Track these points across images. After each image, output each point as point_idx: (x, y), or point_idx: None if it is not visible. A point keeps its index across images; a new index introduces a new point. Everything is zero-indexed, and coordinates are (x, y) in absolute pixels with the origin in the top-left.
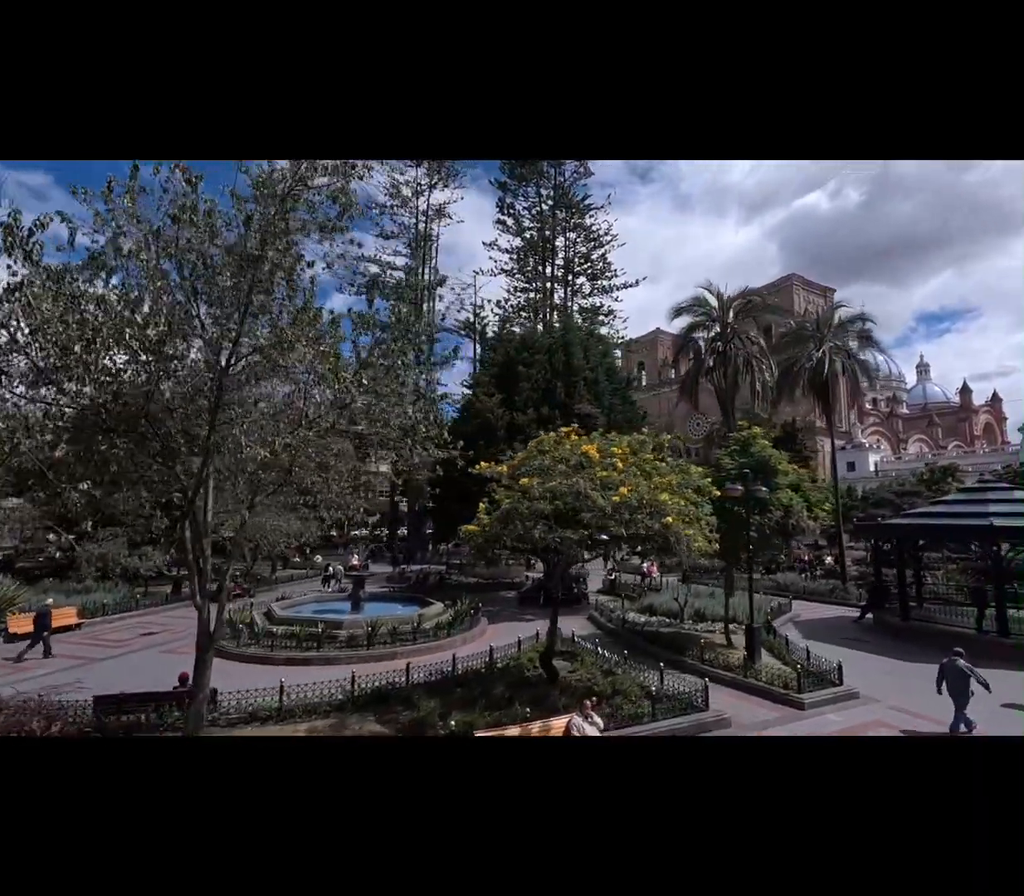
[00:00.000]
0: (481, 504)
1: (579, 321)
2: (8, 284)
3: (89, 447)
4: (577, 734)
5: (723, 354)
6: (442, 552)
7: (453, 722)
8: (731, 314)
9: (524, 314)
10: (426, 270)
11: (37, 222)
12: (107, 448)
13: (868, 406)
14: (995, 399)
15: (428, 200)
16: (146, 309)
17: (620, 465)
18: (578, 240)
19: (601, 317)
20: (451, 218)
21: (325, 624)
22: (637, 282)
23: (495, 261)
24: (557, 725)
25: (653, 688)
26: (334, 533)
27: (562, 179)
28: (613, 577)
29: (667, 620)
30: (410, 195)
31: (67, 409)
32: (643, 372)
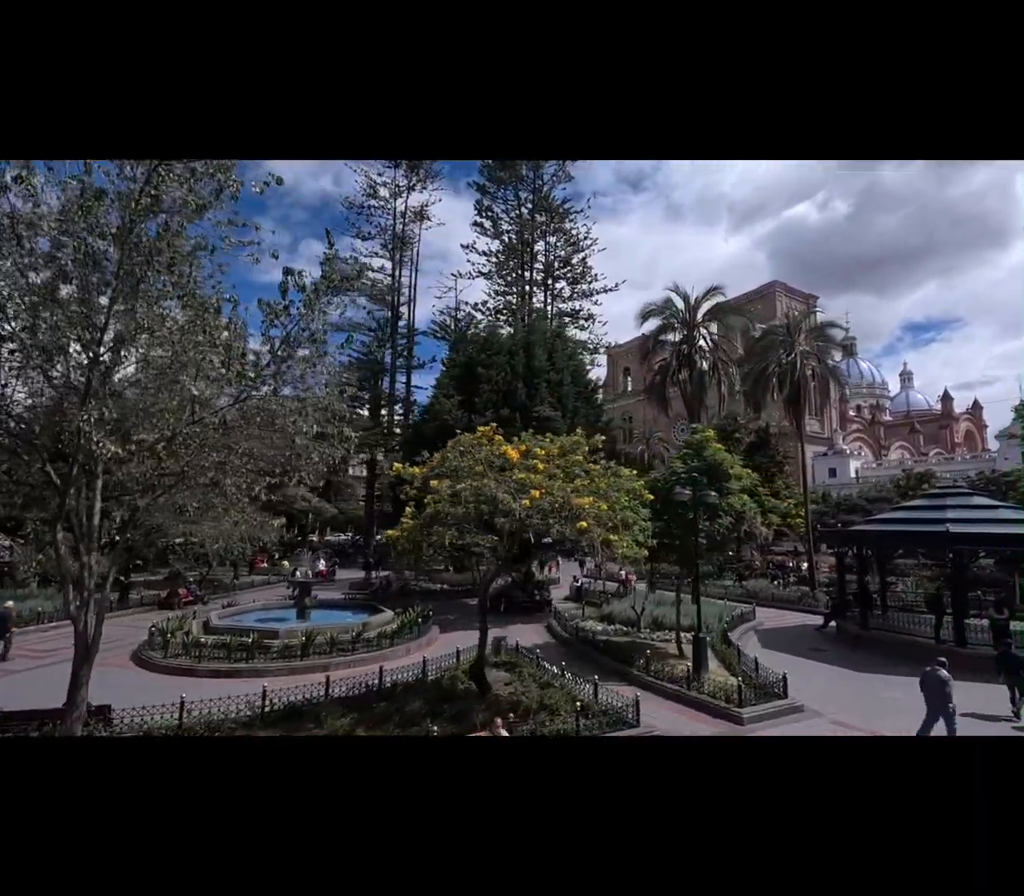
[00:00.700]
0: (407, 508)
1: (551, 323)
2: None
3: None
4: None
5: (689, 357)
6: None
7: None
8: (698, 317)
9: (502, 317)
10: (404, 272)
11: None
12: None
13: (851, 413)
14: (976, 407)
15: (406, 201)
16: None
17: (541, 467)
18: (558, 244)
19: (581, 321)
20: (430, 220)
21: (258, 634)
22: (617, 286)
23: (472, 264)
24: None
25: (585, 702)
26: (314, 538)
27: (541, 182)
28: (580, 584)
29: (624, 629)
30: (388, 196)
31: None
32: (629, 378)
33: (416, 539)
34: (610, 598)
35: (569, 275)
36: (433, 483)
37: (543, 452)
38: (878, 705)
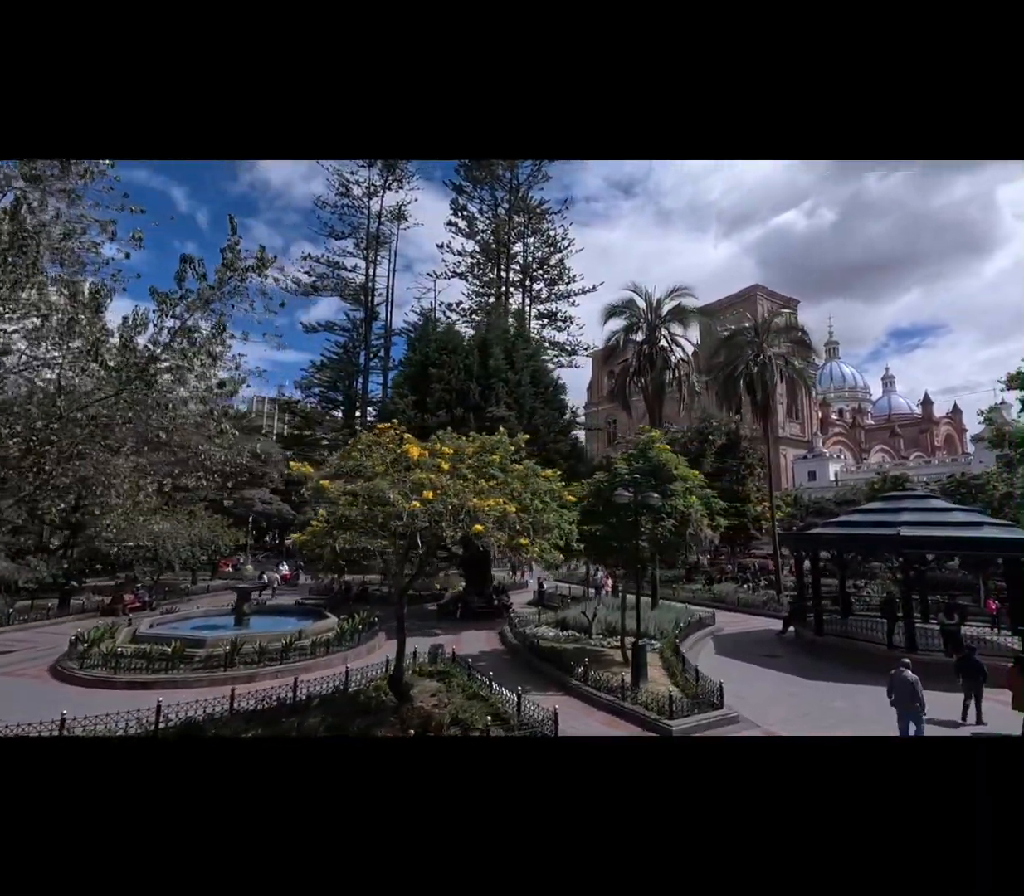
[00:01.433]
0: (321, 511)
1: (528, 325)
2: None
3: None
4: None
5: (650, 358)
6: None
7: None
8: (658, 317)
9: (476, 317)
10: (382, 272)
11: None
12: None
13: (833, 416)
14: (956, 411)
15: (382, 201)
16: None
17: (445, 466)
18: (537, 245)
19: (559, 323)
20: (408, 220)
21: (181, 643)
22: (595, 287)
23: (446, 263)
24: None
25: (505, 715)
26: (290, 541)
27: (517, 183)
28: (544, 588)
29: (576, 635)
30: (361, 195)
31: None
32: (614, 380)
33: (321, 543)
34: (569, 602)
35: (547, 276)
36: (323, 483)
37: (451, 451)
38: (822, 715)
